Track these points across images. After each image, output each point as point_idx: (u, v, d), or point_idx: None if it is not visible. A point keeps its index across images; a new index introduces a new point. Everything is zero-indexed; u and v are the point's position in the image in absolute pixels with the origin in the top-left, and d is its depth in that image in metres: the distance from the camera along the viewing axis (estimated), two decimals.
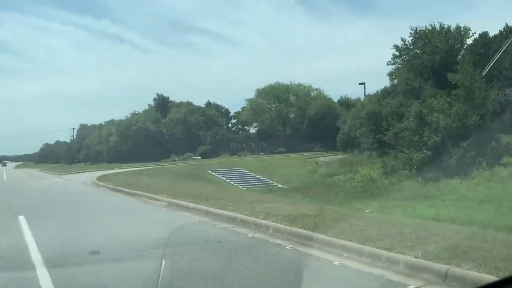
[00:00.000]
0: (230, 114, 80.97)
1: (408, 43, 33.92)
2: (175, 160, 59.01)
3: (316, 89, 63.36)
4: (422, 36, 32.81)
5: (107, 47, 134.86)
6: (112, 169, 42.57)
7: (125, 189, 17.59)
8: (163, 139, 70.61)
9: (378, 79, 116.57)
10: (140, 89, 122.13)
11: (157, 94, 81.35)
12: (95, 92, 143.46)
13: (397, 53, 34.34)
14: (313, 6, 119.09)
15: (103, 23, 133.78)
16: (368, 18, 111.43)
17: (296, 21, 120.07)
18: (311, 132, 61.64)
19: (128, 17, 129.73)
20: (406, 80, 30.84)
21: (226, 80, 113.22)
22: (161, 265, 5.13)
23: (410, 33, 33.42)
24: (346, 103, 64.41)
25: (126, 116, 72.29)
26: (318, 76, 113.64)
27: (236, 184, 30.77)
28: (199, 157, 59.44)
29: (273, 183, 31.05)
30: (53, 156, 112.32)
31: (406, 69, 32.33)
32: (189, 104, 74.29)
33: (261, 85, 64.89)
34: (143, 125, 67.94)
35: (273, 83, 63.71)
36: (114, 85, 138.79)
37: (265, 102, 64.37)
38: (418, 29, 33.05)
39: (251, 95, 66.04)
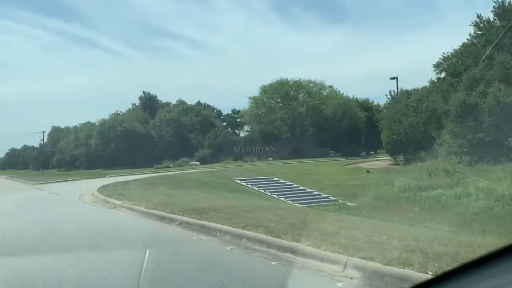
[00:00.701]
0: (223, 115, 72.63)
1: (490, 20, 26.96)
2: (169, 166, 50.49)
3: (329, 87, 56.05)
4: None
5: (78, 51, 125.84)
6: (103, 176, 33.93)
7: (187, 219, 9.46)
8: (152, 142, 61.86)
9: (353, 86, 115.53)
10: (113, 94, 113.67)
11: (143, 92, 72.53)
12: (65, 97, 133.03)
13: (478, 32, 27.28)
14: (287, 14, 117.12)
15: (74, 27, 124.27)
16: (340, 28, 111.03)
17: (270, 28, 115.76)
18: (325, 135, 54.38)
19: (100, 21, 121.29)
20: (504, 63, 23.68)
21: (201, 85, 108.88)
22: None
23: (494, 7, 26.48)
24: (362, 105, 57.65)
25: (109, 116, 62.98)
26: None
27: (283, 198, 23.06)
28: (198, 163, 51.09)
29: (327, 197, 23.69)
30: (20, 162, 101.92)
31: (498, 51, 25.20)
32: (182, 102, 65.90)
33: (264, 82, 57.31)
34: (130, 125, 59.01)
35: (280, 79, 56.06)
36: (85, 89, 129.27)
37: (272, 101, 56.56)
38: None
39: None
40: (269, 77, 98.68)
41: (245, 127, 66.80)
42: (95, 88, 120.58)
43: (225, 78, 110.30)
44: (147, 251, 6.10)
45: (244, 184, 26.07)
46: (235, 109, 69.72)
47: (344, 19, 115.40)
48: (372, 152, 54.89)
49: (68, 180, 34.13)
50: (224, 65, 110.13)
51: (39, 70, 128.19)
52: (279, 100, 56.42)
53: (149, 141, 61.68)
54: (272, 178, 28.61)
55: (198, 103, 70.04)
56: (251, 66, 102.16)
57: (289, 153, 53.92)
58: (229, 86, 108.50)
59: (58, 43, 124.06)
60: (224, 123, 70.10)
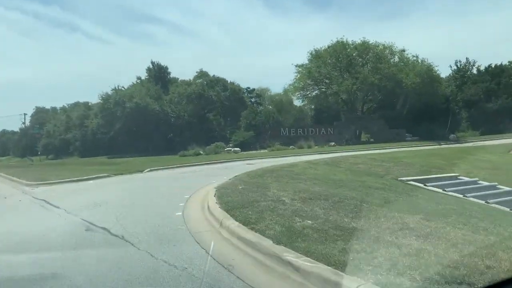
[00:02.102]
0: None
1: None
2: (200, 153, 37.46)
3: (401, 51, 43.23)
4: None
5: (57, 35, 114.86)
6: (129, 172, 20.82)
7: None
8: (168, 123, 48.56)
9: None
10: (93, 79, 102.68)
11: (152, 63, 58.58)
12: (45, 82, 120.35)
13: None
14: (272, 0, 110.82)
15: (53, 10, 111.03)
16: (325, 13, 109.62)
17: (254, 13, 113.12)
18: (399, 113, 41.79)
19: (80, 4, 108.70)
20: None
21: (185, 72, 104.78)
22: None
23: None
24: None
25: (111, 91, 48.98)
26: (277, 69, 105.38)
27: None
28: (238, 149, 38.06)
29: None
30: None
31: None
32: (204, 74, 52.29)
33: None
34: (142, 101, 45.50)
35: (338, 40, 43.08)
36: (65, 74, 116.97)
37: (325, 69, 43.48)
38: None
39: None
40: (254, 62, 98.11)
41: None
42: (75, 73, 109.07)
43: (210, 64, 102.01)
44: None
45: (440, 191, 13.30)
46: (249, 87, 56.85)
47: (328, 4, 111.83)
48: (454, 135, 42.48)
49: (90, 179, 20.29)
50: (208, 51, 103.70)
51: (17, 55, 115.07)
52: (339, 68, 43.35)
53: (165, 122, 48.39)
54: (457, 176, 15.93)
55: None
56: (236, 52, 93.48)
57: (353, 136, 41.26)
58: (214, 71, 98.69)
59: (36, 27, 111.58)
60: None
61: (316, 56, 43.87)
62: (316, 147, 38.35)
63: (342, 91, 40.28)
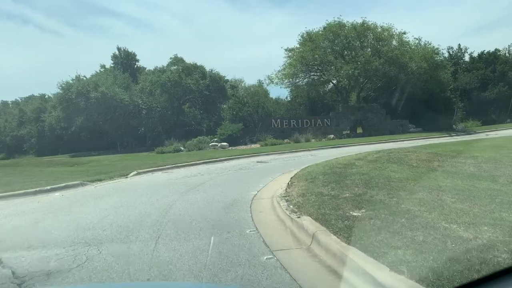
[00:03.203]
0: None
1: None
2: (181, 150, 32.22)
3: (402, 33, 39.07)
4: None
5: (7, 28, 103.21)
6: (123, 175, 15.22)
7: None
8: (139, 115, 42.51)
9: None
10: (48, 74, 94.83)
11: (119, 49, 52.10)
12: None
13: None
14: None
15: (4, 2, 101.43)
16: (284, 9, 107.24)
17: (214, 7, 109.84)
18: (400, 101, 37.70)
19: None
20: None
21: (151, 65, 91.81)
22: None
23: None
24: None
25: (72, 80, 41.95)
26: (238, 64, 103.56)
27: None
28: (226, 144, 32.76)
29: None
30: None
31: None
32: (179, 60, 46.38)
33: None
34: (109, 90, 39.24)
35: (335, 20, 38.46)
36: (17, 68, 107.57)
37: (320, 52, 38.70)
38: None
39: None
40: (214, 57, 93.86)
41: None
42: (28, 67, 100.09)
43: (168, 57, 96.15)
44: None
45: None
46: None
47: (288, 0, 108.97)
48: (462, 126, 38.86)
49: (56, 189, 14.62)
50: (166, 44, 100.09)
51: None
52: (335, 51, 38.69)
53: (135, 114, 42.29)
54: None
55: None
56: (195, 45, 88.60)
57: (352, 127, 36.85)
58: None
59: None
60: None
61: (309, 39, 38.94)
62: (313, 140, 33.70)
63: (342, 76, 35.54)
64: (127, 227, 6.57)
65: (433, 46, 38.06)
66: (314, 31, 39.72)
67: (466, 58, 52.60)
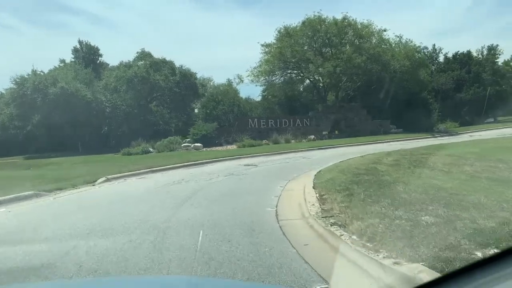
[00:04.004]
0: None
1: None
2: (149, 151, 29.58)
3: (383, 31, 37.70)
4: None
5: None
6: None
7: None
8: (102, 114, 39.21)
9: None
10: (1, 71, 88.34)
11: (80, 42, 48.28)
12: None
13: None
14: None
15: None
16: (250, 10, 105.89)
17: (178, 5, 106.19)
18: (382, 101, 36.35)
19: None
20: None
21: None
22: None
23: None
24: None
25: (28, 75, 37.98)
26: (205, 64, 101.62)
27: None
28: (199, 144, 30.23)
29: None
30: None
31: None
32: (146, 54, 43.29)
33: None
34: (69, 86, 35.79)
35: (315, 15, 36.61)
36: None
37: (300, 48, 36.80)
38: None
39: None
40: (180, 56, 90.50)
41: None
42: None
43: (133, 54, 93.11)
44: None
45: None
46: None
47: (254, 1, 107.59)
48: (444, 127, 37.97)
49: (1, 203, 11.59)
50: (130, 42, 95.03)
51: None
52: (314, 47, 36.84)
53: (98, 112, 38.91)
54: None
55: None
56: (160, 44, 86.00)
57: (333, 127, 35.15)
58: None
59: None
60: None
61: (287, 34, 36.90)
62: (293, 141, 31.71)
63: (323, 74, 33.68)
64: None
65: (415, 44, 36.85)
66: (292, 26, 37.74)
67: (441, 58, 52.18)
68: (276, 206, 7.22)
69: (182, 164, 16.62)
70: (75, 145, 37.55)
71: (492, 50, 53.38)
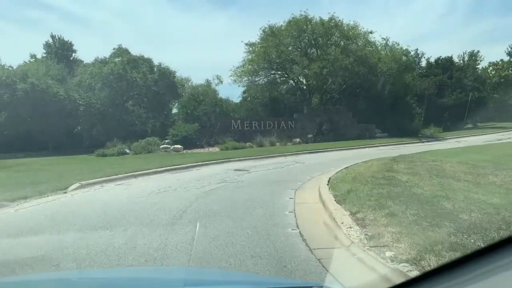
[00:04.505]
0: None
1: None
2: (126, 153, 27.85)
3: (369, 33, 36.92)
4: None
5: None
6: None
7: None
8: (76, 113, 37.02)
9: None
10: None
11: (53, 37, 45.85)
12: None
13: None
14: None
15: None
16: (228, 11, 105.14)
17: (155, 5, 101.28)
18: (368, 105, 35.56)
19: None
20: None
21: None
22: None
23: None
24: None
25: None
26: (182, 64, 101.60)
27: None
28: (180, 147, 28.62)
29: None
30: None
31: None
32: (123, 51, 41.27)
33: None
34: (40, 82, 33.60)
35: (302, 14, 35.48)
36: None
37: (287, 48, 35.63)
38: None
39: None
40: (157, 56, 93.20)
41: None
42: None
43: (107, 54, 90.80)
44: None
45: None
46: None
47: (232, 2, 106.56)
48: (430, 132, 37.40)
49: None
50: (105, 42, 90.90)
51: None
52: (300, 48, 35.70)
53: (71, 111, 36.68)
54: None
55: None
56: (136, 44, 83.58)
57: (318, 130, 34.07)
58: None
59: None
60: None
61: (271, 33, 35.63)
62: (278, 144, 30.46)
63: (309, 76, 32.53)
64: None
65: (401, 47, 36.13)
66: (277, 25, 36.48)
67: (423, 63, 51.96)
68: (298, 227, 5.80)
69: (165, 168, 15.02)
70: (45, 145, 35.30)
71: (473, 56, 53.54)
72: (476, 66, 53.33)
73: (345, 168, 12.04)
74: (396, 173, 9.72)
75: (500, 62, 64.09)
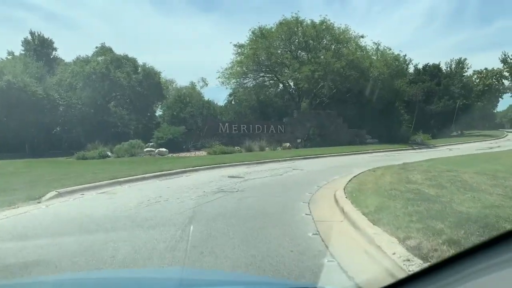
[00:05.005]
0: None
1: None
2: (108, 156, 26.46)
3: (360, 37, 36.23)
4: None
5: None
6: None
7: None
8: (56, 113, 35.34)
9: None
10: None
11: (32, 34, 43.91)
12: None
13: None
14: None
15: None
16: (211, 16, 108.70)
17: (137, 8, 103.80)
18: (358, 110, 34.88)
19: None
20: None
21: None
22: None
23: None
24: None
25: None
26: (165, 67, 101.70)
27: None
28: (165, 149, 27.31)
29: None
30: None
31: None
32: (107, 49, 39.63)
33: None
34: (17, 80, 31.85)
35: (293, 17, 34.58)
36: None
37: (276, 51, 34.65)
38: None
39: None
40: (139, 57, 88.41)
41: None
42: None
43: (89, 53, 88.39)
44: None
45: None
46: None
47: (215, 8, 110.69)
48: (421, 138, 36.80)
49: None
50: (84, 42, 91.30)
51: None
52: (290, 50, 34.74)
53: (50, 111, 34.93)
54: None
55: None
56: (119, 46, 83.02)
57: (309, 135, 33.15)
58: None
59: None
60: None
61: (261, 35, 34.58)
62: (268, 149, 29.35)
63: (301, 79, 31.54)
64: None
65: (393, 52, 35.47)
66: (267, 27, 35.48)
67: (411, 69, 51.64)
68: (333, 257, 4.62)
69: (154, 174, 13.70)
70: (22, 146, 33.58)
71: (460, 64, 53.51)
72: (463, 74, 53.25)
73: (354, 177, 10.95)
74: (418, 185, 8.67)
75: (484, 71, 64.54)
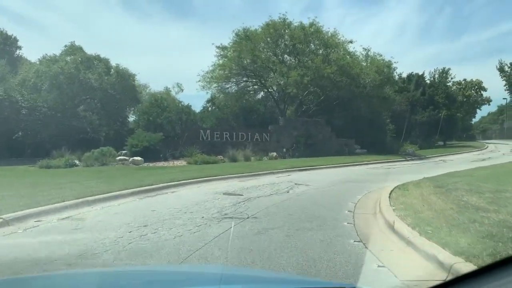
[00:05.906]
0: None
1: None
2: (76, 164, 23.49)
3: (348, 42, 34.53)
4: None
5: None
6: None
7: None
8: (18, 117, 32.07)
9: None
10: None
11: None
12: None
13: None
14: (130, 2, 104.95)
15: None
16: (187, 23, 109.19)
17: (111, 13, 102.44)
18: (346, 119, 33.06)
19: None
20: None
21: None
22: None
23: None
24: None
25: None
26: (139, 71, 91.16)
27: None
28: (140, 158, 24.60)
29: None
30: None
31: None
32: (77, 48, 36.51)
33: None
34: None
35: (280, 18, 32.58)
36: None
37: (260, 54, 32.49)
38: None
39: None
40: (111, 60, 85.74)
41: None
42: None
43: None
44: None
45: None
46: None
47: (190, 15, 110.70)
48: (412, 150, 35.24)
49: None
50: (52, 44, 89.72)
51: None
52: (276, 54, 32.64)
53: (11, 114, 31.62)
54: None
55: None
56: (88, 48, 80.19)
57: (296, 144, 31.05)
58: None
59: None
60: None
61: (245, 37, 32.36)
62: (253, 158, 27.07)
63: (289, 84, 29.41)
64: None
65: (384, 59, 33.84)
66: (252, 28, 33.32)
67: (395, 78, 50.43)
68: None
69: (132, 190, 11.11)
70: None
71: (444, 74, 52.80)
72: (447, 84, 52.53)
73: (388, 197, 8.69)
74: (486, 212, 6.49)
75: (463, 82, 64.35)
